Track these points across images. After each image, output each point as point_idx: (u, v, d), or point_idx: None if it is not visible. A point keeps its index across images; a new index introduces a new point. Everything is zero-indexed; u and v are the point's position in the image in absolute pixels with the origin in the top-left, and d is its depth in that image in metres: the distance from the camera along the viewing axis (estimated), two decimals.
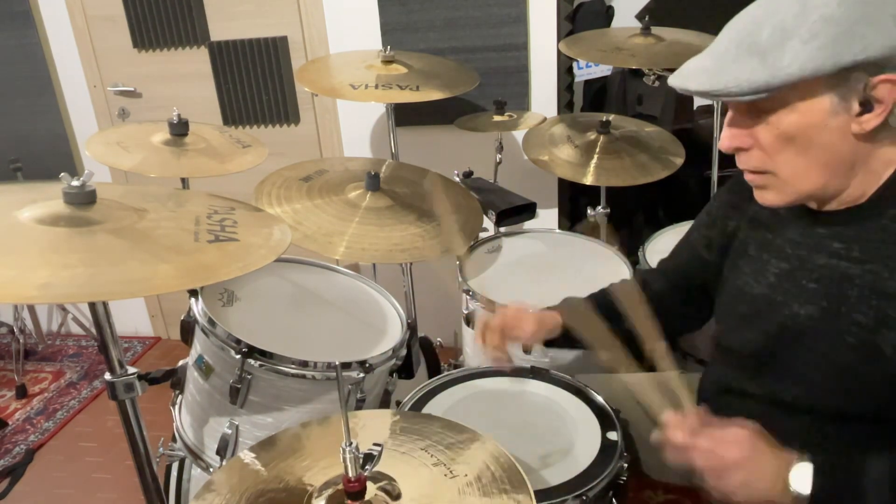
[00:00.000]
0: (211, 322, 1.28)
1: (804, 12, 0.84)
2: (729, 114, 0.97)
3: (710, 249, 1.22)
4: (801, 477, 0.89)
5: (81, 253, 0.90)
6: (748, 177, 1.00)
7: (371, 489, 0.88)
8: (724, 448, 0.93)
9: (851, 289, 0.95)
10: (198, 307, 1.33)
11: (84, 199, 0.97)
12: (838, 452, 0.94)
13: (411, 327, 1.47)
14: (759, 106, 0.91)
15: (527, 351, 1.58)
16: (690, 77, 0.92)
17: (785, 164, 0.93)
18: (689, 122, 2.57)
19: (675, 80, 0.95)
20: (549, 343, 1.31)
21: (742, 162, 0.98)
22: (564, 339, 1.29)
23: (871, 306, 0.93)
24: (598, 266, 1.84)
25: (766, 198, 0.99)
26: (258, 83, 2.62)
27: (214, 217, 1.06)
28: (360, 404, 1.32)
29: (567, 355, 1.66)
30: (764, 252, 1.08)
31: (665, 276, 1.35)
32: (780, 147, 0.92)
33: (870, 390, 0.95)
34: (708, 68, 0.91)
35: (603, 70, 2.49)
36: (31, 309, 3.17)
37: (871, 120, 0.87)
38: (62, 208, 0.97)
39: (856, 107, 0.87)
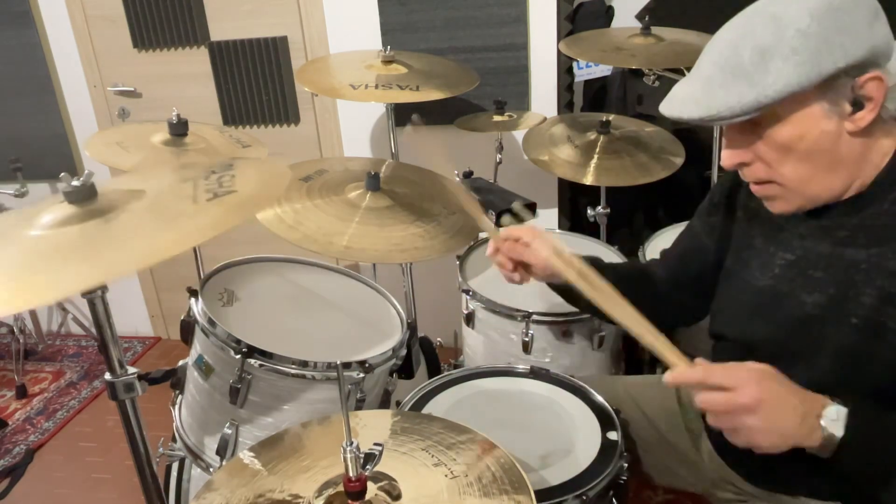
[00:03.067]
0: (211, 322, 1.28)
1: (779, 30, 0.86)
2: (726, 134, 0.99)
3: (712, 237, 1.23)
4: (834, 418, 0.88)
5: (90, 243, 0.90)
6: (755, 188, 1.01)
7: (371, 489, 0.88)
8: (737, 389, 0.88)
9: (858, 273, 0.97)
10: (198, 307, 1.33)
11: (84, 193, 0.97)
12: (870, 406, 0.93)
13: (411, 327, 1.47)
14: (753, 123, 0.93)
15: (526, 350, 1.59)
16: (680, 106, 0.95)
17: (789, 172, 0.95)
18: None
19: (666, 109, 0.98)
20: (553, 286, 1.32)
21: (747, 175, 1.00)
22: (565, 286, 1.26)
23: (876, 287, 0.95)
24: None
25: (776, 206, 1.01)
26: (258, 83, 2.62)
27: (212, 177, 1.07)
28: (360, 404, 1.32)
29: (567, 356, 1.66)
30: (770, 245, 1.09)
31: (666, 264, 1.36)
32: (782, 157, 0.94)
33: (878, 373, 0.96)
34: (696, 96, 0.93)
35: (603, 70, 2.48)
36: (31, 309, 3.18)
37: (865, 116, 0.89)
38: (67, 209, 0.96)
39: (847, 108, 0.89)
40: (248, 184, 1.04)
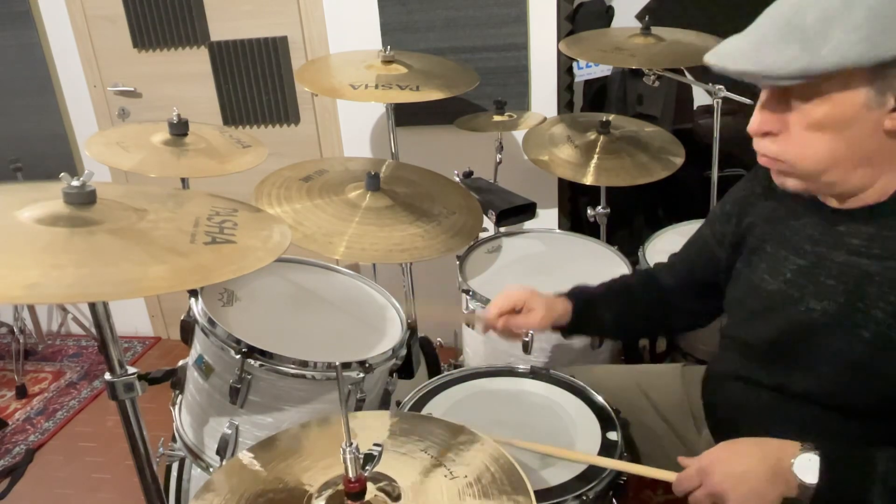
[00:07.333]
0: (211, 322, 1.28)
1: (850, 2, 0.83)
2: (762, 96, 0.96)
3: (723, 245, 1.22)
4: (806, 467, 0.90)
5: (76, 253, 0.89)
6: (763, 160, 0.99)
7: (371, 490, 0.88)
8: (703, 482, 0.97)
9: (871, 285, 0.96)
10: (198, 307, 1.33)
11: (84, 199, 0.97)
12: (846, 444, 0.94)
13: (411, 327, 1.47)
14: (793, 92, 0.91)
15: (526, 350, 1.59)
16: (728, 56, 0.92)
17: (812, 154, 0.93)
18: (689, 122, 2.57)
19: (712, 59, 0.94)
20: (556, 328, 1.33)
21: (763, 146, 0.97)
22: (572, 327, 1.32)
23: (889, 302, 0.94)
24: (598, 266, 1.84)
25: (786, 182, 0.99)
26: (258, 83, 2.62)
27: (215, 218, 1.06)
28: (360, 404, 1.32)
29: (567, 356, 1.66)
30: (781, 249, 1.08)
31: (674, 271, 1.35)
32: (811, 136, 0.92)
33: (881, 385, 0.96)
34: (747, 49, 0.91)
35: (603, 70, 2.48)
36: (32, 309, 3.17)
37: None
38: (62, 208, 0.96)
39: (891, 102, 0.86)
40: (249, 238, 1.02)
